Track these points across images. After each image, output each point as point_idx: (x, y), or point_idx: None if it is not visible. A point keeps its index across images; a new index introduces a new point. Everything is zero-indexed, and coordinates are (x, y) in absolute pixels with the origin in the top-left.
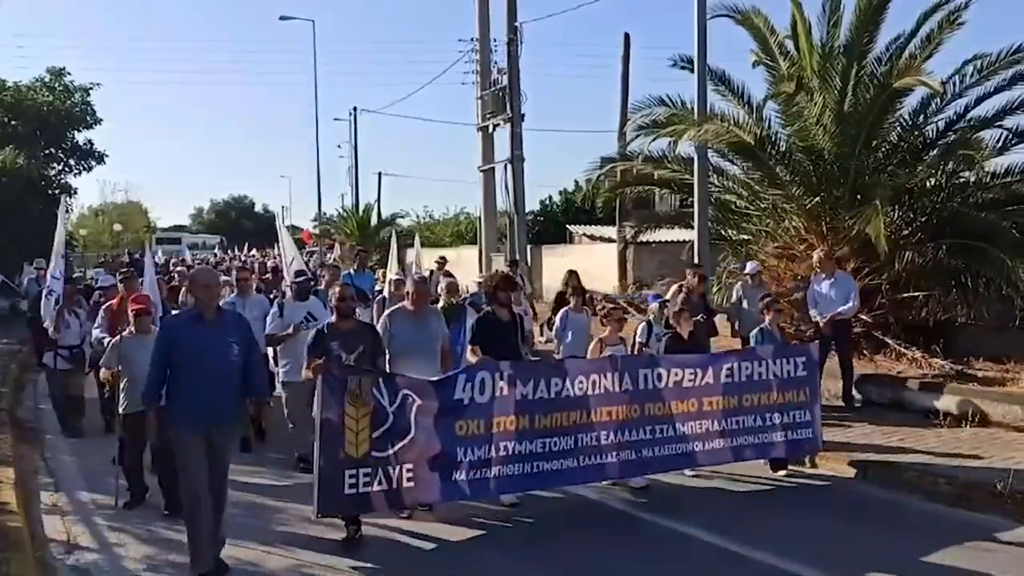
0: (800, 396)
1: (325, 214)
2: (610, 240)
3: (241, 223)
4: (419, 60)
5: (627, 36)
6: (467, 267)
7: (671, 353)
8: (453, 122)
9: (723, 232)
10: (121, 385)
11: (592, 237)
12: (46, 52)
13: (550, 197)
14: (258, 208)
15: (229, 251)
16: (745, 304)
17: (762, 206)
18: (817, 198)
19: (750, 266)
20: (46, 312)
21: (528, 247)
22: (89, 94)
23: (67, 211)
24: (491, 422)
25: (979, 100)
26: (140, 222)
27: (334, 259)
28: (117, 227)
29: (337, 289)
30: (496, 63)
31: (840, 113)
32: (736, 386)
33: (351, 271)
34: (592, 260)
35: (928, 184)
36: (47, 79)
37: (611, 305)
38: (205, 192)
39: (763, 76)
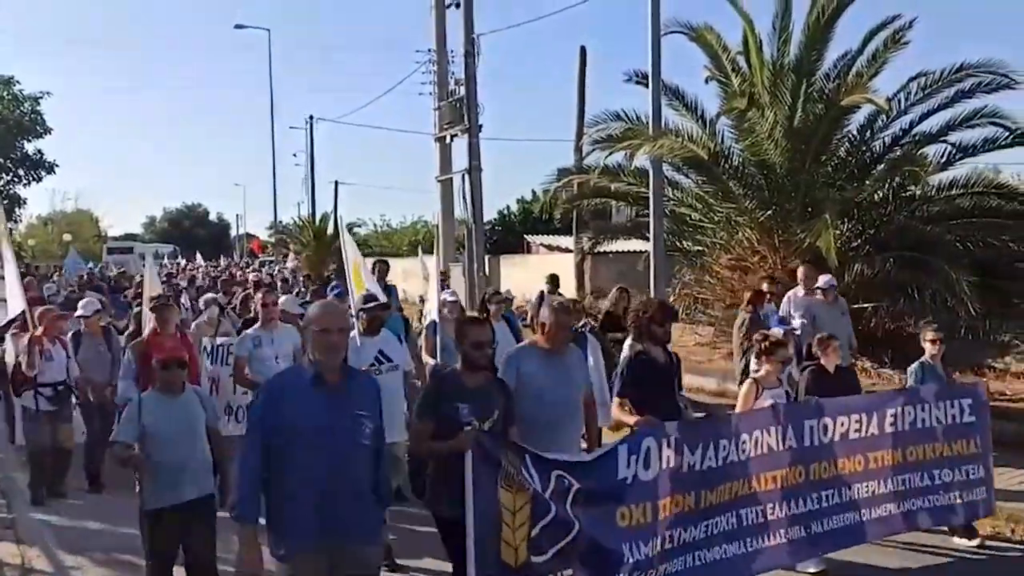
0: (970, 447)
1: (281, 223)
2: (567, 250)
3: (195, 232)
4: (376, 70)
5: (583, 49)
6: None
7: (816, 393)
8: (410, 131)
9: (678, 244)
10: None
11: (550, 247)
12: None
13: (508, 207)
14: (212, 216)
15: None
16: (820, 325)
17: (716, 219)
18: (769, 211)
19: (823, 279)
20: None
21: (486, 257)
22: (39, 103)
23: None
24: (657, 506)
25: (923, 116)
26: (90, 231)
27: (292, 269)
28: (67, 237)
29: (458, 324)
30: (453, 74)
31: (790, 128)
32: (902, 436)
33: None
34: (549, 270)
35: (876, 198)
36: None
37: (770, 336)
38: (158, 200)
39: (716, 91)
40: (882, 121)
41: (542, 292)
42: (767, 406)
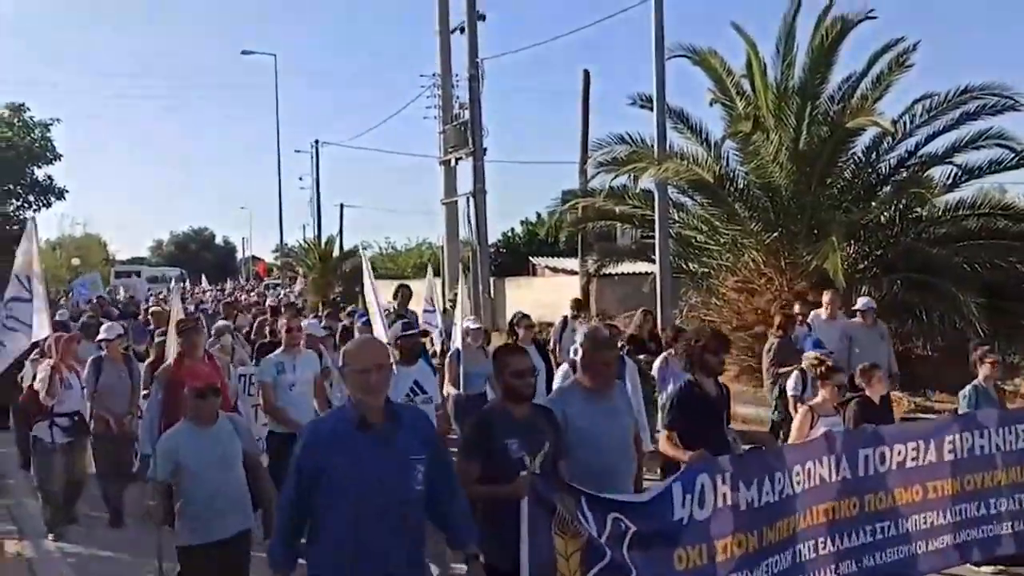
0: None
1: (287, 245)
2: (572, 272)
3: (201, 255)
4: (382, 94)
5: (587, 73)
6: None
7: (863, 423)
8: (415, 155)
9: (684, 265)
10: (176, 507)
11: (555, 269)
12: (5, 87)
13: (512, 229)
14: (218, 240)
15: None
16: (857, 349)
17: (722, 241)
18: (775, 233)
19: (862, 302)
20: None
21: (491, 279)
22: (49, 130)
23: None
24: (714, 547)
25: (929, 138)
26: (98, 256)
27: (298, 292)
28: (75, 261)
29: (496, 354)
30: (458, 98)
31: (796, 151)
32: (960, 464)
33: (390, 308)
34: (555, 292)
35: (882, 219)
36: (6, 115)
37: (825, 360)
38: (165, 224)
39: (720, 113)
40: (888, 143)
41: (565, 317)
42: (820, 435)
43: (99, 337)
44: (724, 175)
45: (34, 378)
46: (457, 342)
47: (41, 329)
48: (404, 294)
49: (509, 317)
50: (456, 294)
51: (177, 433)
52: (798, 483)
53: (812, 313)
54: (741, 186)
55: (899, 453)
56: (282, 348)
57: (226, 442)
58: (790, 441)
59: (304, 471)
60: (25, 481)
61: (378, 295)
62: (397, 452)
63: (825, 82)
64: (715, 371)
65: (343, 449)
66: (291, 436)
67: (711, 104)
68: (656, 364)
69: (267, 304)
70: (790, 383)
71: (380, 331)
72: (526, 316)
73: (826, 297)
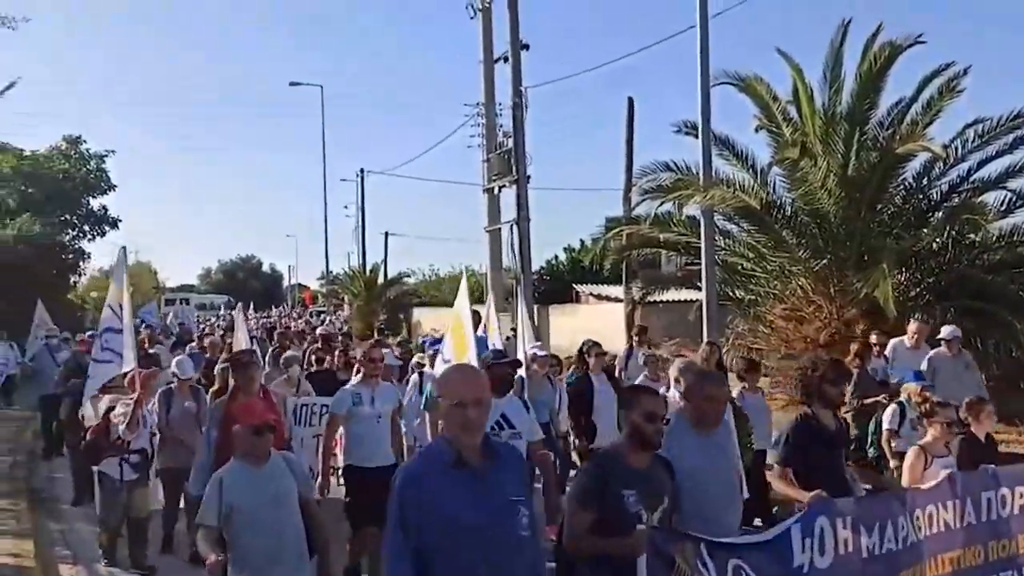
0: None
1: (332, 273)
2: (616, 300)
3: (249, 283)
4: (426, 123)
5: (631, 100)
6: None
7: (972, 467)
8: (459, 183)
9: (730, 293)
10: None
11: (599, 296)
12: (63, 121)
13: (556, 256)
14: (265, 268)
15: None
16: (939, 380)
17: (769, 268)
18: (824, 260)
19: (947, 330)
20: (87, 394)
21: (535, 306)
22: (104, 161)
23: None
24: None
25: (981, 163)
26: (149, 283)
27: (344, 319)
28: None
29: (627, 392)
30: (502, 126)
31: (844, 177)
32: None
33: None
34: (599, 320)
35: (934, 246)
36: (63, 147)
37: (930, 396)
38: (213, 252)
39: (766, 140)
40: (939, 168)
41: (631, 344)
42: (943, 477)
43: (172, 370)
44: (771, 202)
45: (107, 413)
46: (521, 369)
47: (127, 362)
48: (473, 320)
49: (552, 344)
50: (519, 319)
51: (227, 472)
52: (921, 529)
53: (892, 341)
54: (788, 213)
55: (1020, 495)
56: (359, 378)
57: (281, 482)
58: (904, 483)
59: (404, 519)
60: (78, 510)
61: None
62: (497, 493)
63: (874, 107)
64: (834, 403)
65: (442, 493)
66: (371, 471)
67: (757, 131)
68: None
69: (318, 332)
70: (887, 417)
71: (472, 358)
72: (597, 344)
73: (913, 326)
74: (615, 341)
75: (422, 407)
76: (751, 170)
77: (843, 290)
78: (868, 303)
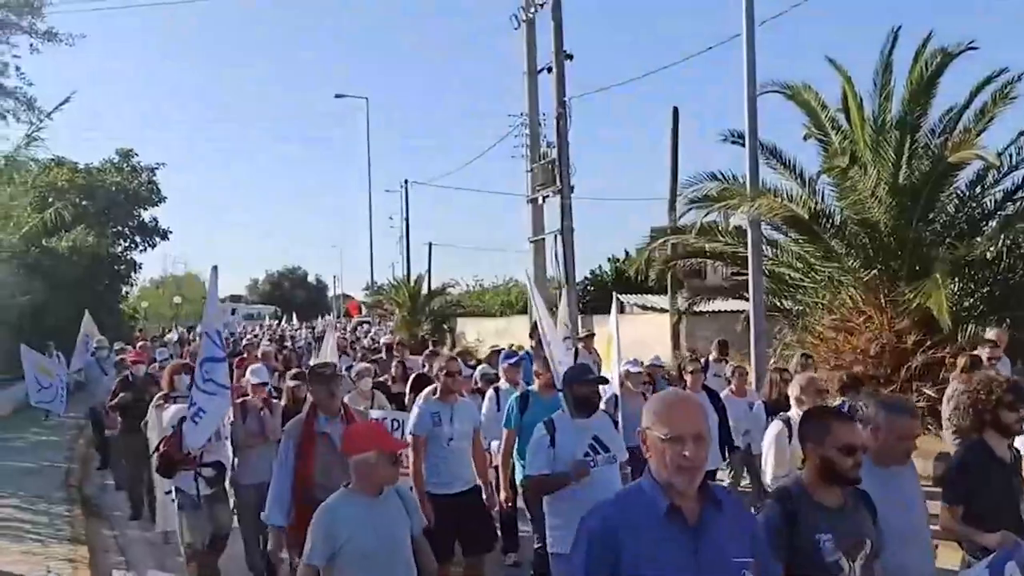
0: None
1: (376, 284)
2: (662, 310)
3: (295, 293)
4: (469, 134)
5: (675, 110)
6: (517, 337)
7: None
8: (503, 193)
9: (778, 303)
10: None
11: (643, 307)
12: (116, 134)
13: (600, 267)
14: (311, 278)
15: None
16: None
17: (818, 278)
18: (874, 271)
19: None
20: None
21: (579, 317)
22: (155, 174)
23: (129, 284)
24: None
25: None
26: (199, 294)
27: (389, 329)
28: (177, 299)
29: (816, 418)
30: (545, 136)
31: (895, 186)
32: None
33: (530, 349)
34: (644, 330)
35: (988, 255)
36: (116, 160)
37: None
38: (260, 263)
39: (814, 148)
40: (993, 176)
41: (707, 360)
42: None
43: (255, 381)
44: (820, 211)
45: (178, 425)
46: (614, 386)
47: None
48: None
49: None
50: (589, 330)
51: (340, 504)
52: None
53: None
54: (837, 222)
55: None
56: (437, 395)
57: (395, 515)
58: None
59: (596, 570)
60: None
61: (549, 331)
62: (717, 553)
63: (925, 115)
64: (1013, 431)
65: (651, 546)
66: (450, 498)
67: (805, 139)
68: (791, 414)
69: (382, 342)
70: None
71: (556, 375)
72: (695, 359)
73: (993, 335)
74: (660, 352)
75: (503, 425)
76: (799, 179)
77: (894, 300)
78: (920, 314)
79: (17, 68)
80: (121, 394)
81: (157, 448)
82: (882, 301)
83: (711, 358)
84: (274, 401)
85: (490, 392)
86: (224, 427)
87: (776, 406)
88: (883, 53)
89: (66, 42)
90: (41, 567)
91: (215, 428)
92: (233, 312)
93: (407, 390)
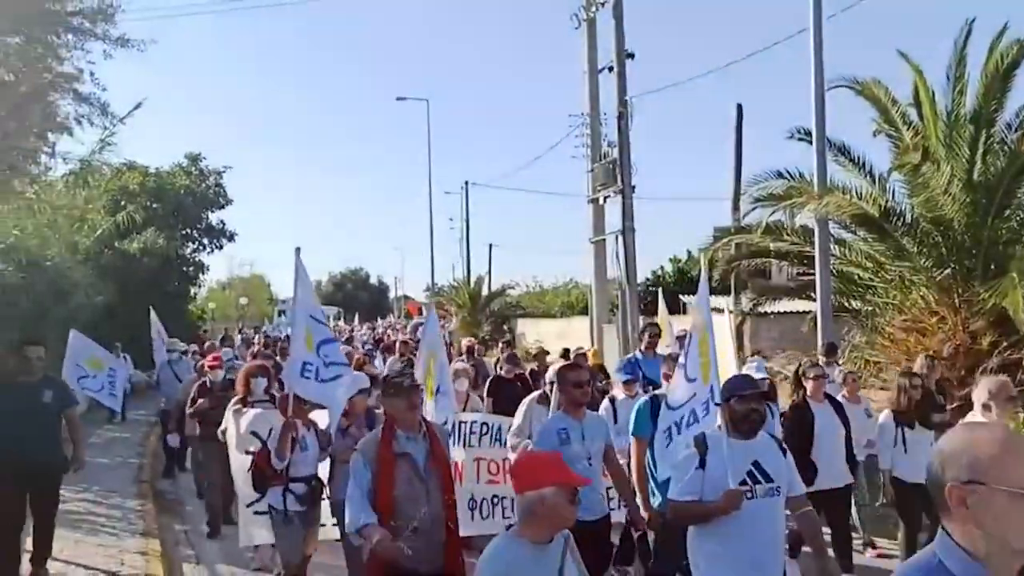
0: None
1: (437, 285)
2: (721, 311)
3: (357, 295)
4: (529, 135)
5: (739, 107)
6: (577, 338)
7: None
8: (563, 194)
9: (846, 304)
10: None
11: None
12: (184, 140)
13: (662, 267)
14: (372, 280)
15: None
16: None
17: (888, 277)
18: (947, 270)
19: None
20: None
21: (640, 318)
22: (222, 177)
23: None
24: None
25: None
26: (264, 295)
27: (450, 331)
28: (243, 300)
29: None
30: (606, 136)
31: (969, 182)
32: None
33: (636, 353)
34: None
35: None
36: (185, 164)
37: None
38: (323, 265)
39: (884, 145)
40: None
41: (799, 365)
42: None
43: (355, 388)
44: (890, 209)
45: (266, 437)
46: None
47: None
48: (652, 333)
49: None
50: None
51: (508, 550)
52: None
53: None
54: (909, 220)
55: None
56: (563, 407)
57: (565, 563)
58: None
59: None
60: (199, 510)
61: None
62: None
63: (1001, 109)
64: None
65: None
66: (584, 526)
67: (875, 135)
68: (882, 416)
69: (464, 344)
70: None
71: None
72: (816, 365)
73: None
74: (723, 353)
75: (632, 433)
76: (868, 176)
77: (968, 300)
78: (995, 314)
79: (92, 74)
80: (199, 400)
81: (254, 462)
82: (956, 301)
83: (820, 361)
84: (380, 413)
85: (605, 403)
86: (310, 439)
87: (904, 415)
88: (956, 45)
89: (138, 48)
90: (115, 560)
91: (343, 404)
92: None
93: (484, 394)
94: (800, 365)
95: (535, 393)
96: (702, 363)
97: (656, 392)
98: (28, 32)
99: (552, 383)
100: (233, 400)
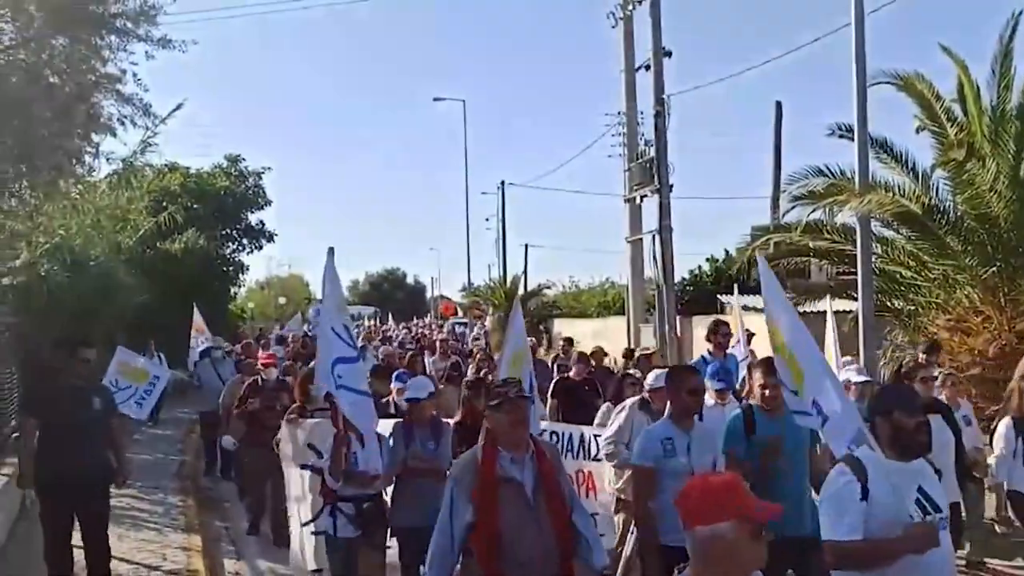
0: None
1: (473, 285)
2: (763, 310)
3: (394, 295)
4: (566, 134)
5: (779, 104)
6: (614, 338)
7: None
8: (599, 193)
9: (888, 303)
10: None
11: (744, 307)
12: (224, 140)
13: (700, 266)
14: (409, 280)
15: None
16: None
17: (931, 276)
18: (993, 268)
19: None
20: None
21: (677, 317)
22: (261, 178)
23: (237, 285)
24: None
25: None
26: (302, 295)
27: (485, 331)
28: (281, 300)
29: None
30: (643, 135)
31: (1015, 178)
32: None
33: (705, 353)
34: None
35: None
36: (225, 165)
37: None
38: (360, 265)
39: (925, 141)
40: None
41: (900, 366)
42: None
43: (407, 395)
44: (934, 206)
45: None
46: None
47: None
48: (724, 333)
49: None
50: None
51: None
52: None
53: None
54: (953, 218)
55: None
56: (667, 414)
57: None
58: None
59: None
60: (240, 507)
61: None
62: None
63: None
64: None
65: None
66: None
67: (918, 131)
68: (1004, 425)
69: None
70: None
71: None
72: (923, 365)
73: None
74: (761, 352)
75: (722, 449)
76: (911, 173)
77: (1015, 300)
78: None
79: (134, 75)
80: (249, 400)
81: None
82: (1001, 300)
83: (921, 357)
84: (446, 422)
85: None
86: (363, 454)
87: None
88: (1002, 39)
89: (179, 49)
90: (158, 555)
91: (375, 428)
92: None
93: (548, 396)
94: (901, 365)
95: (634, 398)
96: (792, 375)
97: (751, 402)
98: (72, 34)
99: (654, 388)
100: (290, 408)
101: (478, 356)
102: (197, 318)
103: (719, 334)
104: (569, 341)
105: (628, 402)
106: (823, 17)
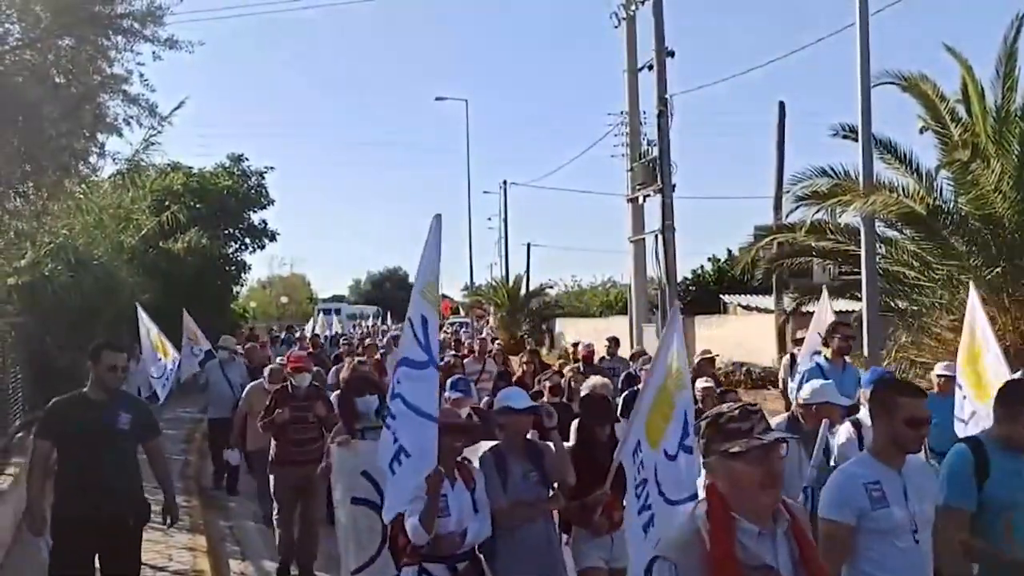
0: None
1: (475, 284)
2: (767, 311)
3: (395, 294)
4: (568, 134)
5: (782, 104)
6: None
7: None
8: (602, 193)
9: (892, 303)
10: None
11: (747, 307)
12: (225, 140)
13: (702, 266)
14: (411, 279)
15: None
16: None
17: (935, 277)
18: (997, 268)
19: None
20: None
21: (680, 318)
22: (264, 177)
23: (239, 284)
24: None
25: None
26: (303, 294)
27: (488, 331)
28: (283, 299)
29: None
30: (646, 135)
31: (1020, 179)
32: None
33: (820, 359)
34: (749, 331)
35: None
36: (227, 165)
37: None
38: (362, 264)
39: (929, 141)
40: None
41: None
42: None
43: (516, 406)
44: (938, 207)
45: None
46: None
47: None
48: (845, 335)
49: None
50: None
51: None
52: None
53: None
54: (957, 218)
55: None
56: (875, 450)
57: None
58: None
59: None
60: (244, 506)
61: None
62: None
63: None
64: None
65: None
66: None
67: (922, 132)
68: None
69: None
70: None
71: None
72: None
73: None
74: (765, 353)
75: None
76: (915, 174)
77: (1019, 300)
78: None
79: (141, 75)
80: (277, 411)
81: (389, 535)
82: (1006, 301)
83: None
84: (544, 444)
85: (847, 428)
86: (456, 499)
87: None
88: (1006, 40)
89: (186, 50)
90: (163, 556)
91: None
92: (338, 312)
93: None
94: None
95: (780, 416)
96: (969, 376)
97: (987, 429)
98: (79, 34)
99: (809, 403)
100: (336, 428)
101: (494, 352)
102: (189, 323)
103: (839, 336)
104: (615, 341)
105: (775, 420)
106: (827, 17)
